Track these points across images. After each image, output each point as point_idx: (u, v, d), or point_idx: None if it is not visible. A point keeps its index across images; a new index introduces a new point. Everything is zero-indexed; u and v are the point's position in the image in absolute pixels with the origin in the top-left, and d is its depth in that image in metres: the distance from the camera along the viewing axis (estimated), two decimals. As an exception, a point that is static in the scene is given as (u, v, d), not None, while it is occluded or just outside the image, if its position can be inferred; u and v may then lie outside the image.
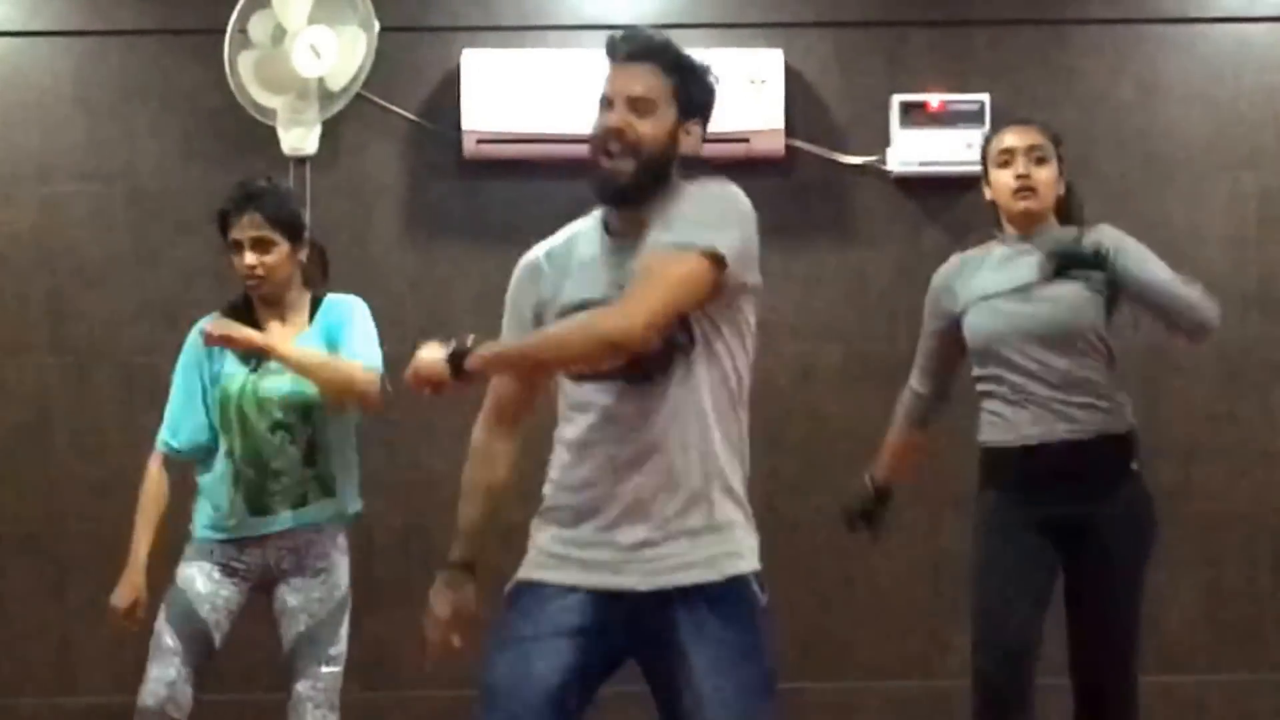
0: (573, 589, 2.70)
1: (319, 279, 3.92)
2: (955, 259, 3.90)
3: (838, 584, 5.52)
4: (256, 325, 3.77)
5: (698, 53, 2.82)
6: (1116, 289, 3.65)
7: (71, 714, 5.42)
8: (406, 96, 5.48)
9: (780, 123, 5.36)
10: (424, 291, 5.43)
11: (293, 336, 3.77)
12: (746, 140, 5.28)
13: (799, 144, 5.48)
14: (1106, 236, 3.70)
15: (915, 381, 3.93)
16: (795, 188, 5.51)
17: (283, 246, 3.74)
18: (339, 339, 3.76)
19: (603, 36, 2.80)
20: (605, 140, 2.70)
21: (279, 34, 5.23)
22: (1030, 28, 5.59)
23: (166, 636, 3.69)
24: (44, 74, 5.48)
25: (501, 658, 2.69)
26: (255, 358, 3.73)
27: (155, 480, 3.85)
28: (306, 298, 3.84)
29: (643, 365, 2.64)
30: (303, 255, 3.80)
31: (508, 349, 2.75)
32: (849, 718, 5.49)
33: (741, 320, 2.73)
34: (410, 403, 5.37)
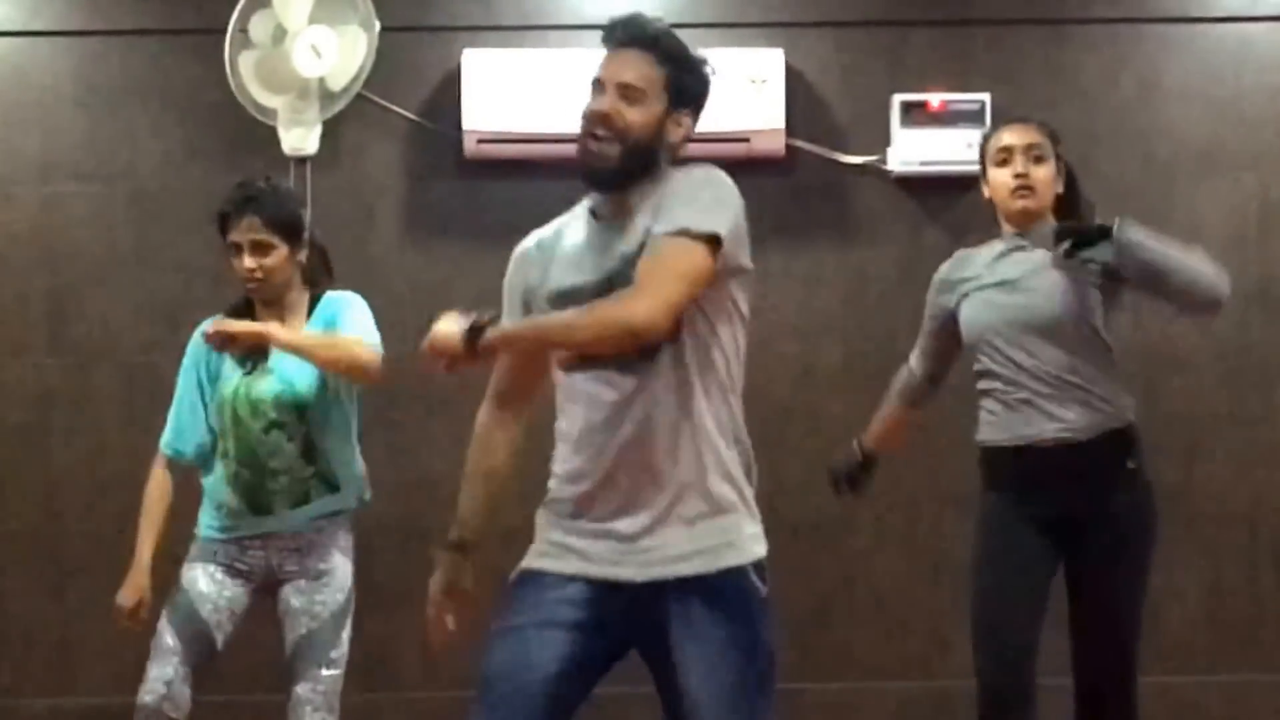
0: (572, 579, 2.72)
1: (322, 277, 3.92)
2: (957, 254, 3.92)
3: (838, 584, 5.52)
4: (256, 327, 3.77)
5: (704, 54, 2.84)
6: (1117, 276, 3.63)
7: (71, 714, 5.42)
8: (407, 96, 5.48)
9: (781, 122, 5.36)
10: (424, 291, 5.43)
11: (292, 335, 3.77)
12: (747, 140, 5.28)
13: (799, 144, 5.48)
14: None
15: (914, 362, 3.99)
16: (796, 187, 5.51)
17: (281, 249, 3.74)
18: (336, 327, 3.76)
19: (604, 36, 2.82)
20: (593, 124, 2.74)
21: (280, 34, 5.23)
22: (1031, 27, 5.59)
23: (167, 636, 3.70)
24: (45, 74, 5.48)
25: (500, 645, 2.71)
26: (250, 361, 3.73)
27: (159, 482, 3.87)
28: (306, 297, 3.84)
29: (628, 353, 2.65)
30: (302, 256, 3.80)
31: (524, 328, 2.76)
32: (849, 718, 5.49)
33: (731, 305, 2.74)
34: (410, 403, 5.43)
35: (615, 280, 2.67)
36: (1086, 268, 3.61)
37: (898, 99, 5.44)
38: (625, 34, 2.78)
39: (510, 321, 2.77)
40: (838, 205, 5.56)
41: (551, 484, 2.81)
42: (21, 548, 5.45)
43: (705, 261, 2.62)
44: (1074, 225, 3.68)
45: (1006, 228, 3.83)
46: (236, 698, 4.92)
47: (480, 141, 5.35)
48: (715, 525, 2.70)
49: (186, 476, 3.89)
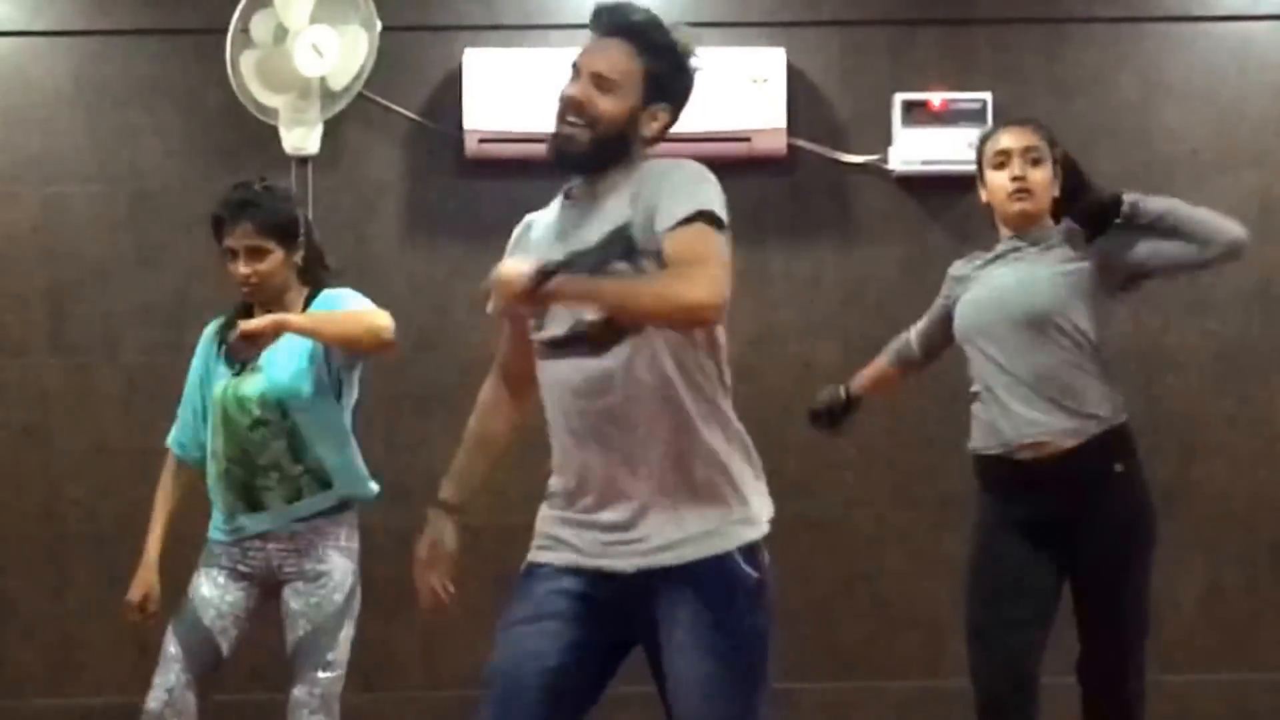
0: (567, 570, 2.74)
1: (320, 275, 3.90)
2: (974, 253, 3.93)
3: (838, 584, 5.52)
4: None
5: (698, 51, 2.83)
6: (1112, 260, 3.65)
7: (71, 714, 5.42)
8: (408, 96, 5.48)
9: (782, 121, 5.35)
10: (424, 291, 5.43)
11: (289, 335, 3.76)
12: (748, 139, 5.27)
13: (801, 143, 5.48)
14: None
15: (913, 334, 4.07)
16: (797, 187, 5.51)
17: (276, 253, 3.73)
18: None
19: (604, 37, 2.82)
20: (566, 109, 2.79)
21: (281, 33, 5.23)
22: (1032, 26, 5.59)
23: (170, 644, 3.73)
24: (45, 74, 5.48)
25: (502, 641, 2.73)
26: (240, 363, 3.73)
27: (166, 478, 3.91)
28: (304, 296, 3.83)
29: (591, 338, 2.67)
30: (298, 257, 3.79)
31: (585, 284, 2.67)
32: (848, 717, 5.49)
33: None
34: (411, 403, 5.42)
35: (573, 263, 2.66)
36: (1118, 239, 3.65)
37: (899, 98, 5.44)
38: (609, 21, 2.80)
39: (575, 275, 2.68)
40: (839, 205, 5.56)
41: (551, 478, 2.83)
42: (21, 548, 5.45)
43: (728, 252, 2.64)
44: (1086, 202, 3.68)
45: (1003, 230, 3.82)
46: (240, 697, 4.92)
47: (481, 141, 5.35)
48: (700, 513, 2.69)
49: (202, 479, 3.89)
